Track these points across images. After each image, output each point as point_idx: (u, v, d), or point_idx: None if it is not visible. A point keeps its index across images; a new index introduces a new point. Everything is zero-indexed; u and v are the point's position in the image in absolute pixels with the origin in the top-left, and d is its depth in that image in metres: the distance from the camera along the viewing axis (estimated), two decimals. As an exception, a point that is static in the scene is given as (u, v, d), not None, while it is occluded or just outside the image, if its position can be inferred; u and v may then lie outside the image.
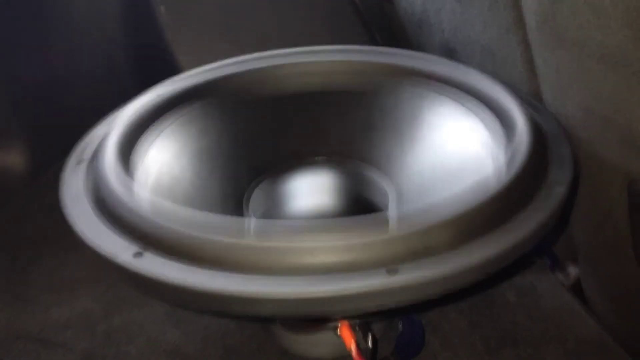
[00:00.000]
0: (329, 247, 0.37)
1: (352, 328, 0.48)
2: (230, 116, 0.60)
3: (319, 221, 0.52)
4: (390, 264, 0.37)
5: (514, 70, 0.61)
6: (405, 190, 0.56)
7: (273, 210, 0.56)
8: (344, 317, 0.47)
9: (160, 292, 0.38)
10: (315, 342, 0.53)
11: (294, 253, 0.37)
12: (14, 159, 0.83)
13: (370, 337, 0.48)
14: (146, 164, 0.51)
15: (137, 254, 0.39)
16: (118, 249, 0.40)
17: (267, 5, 0.95)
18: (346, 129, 0.62)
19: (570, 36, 0.47)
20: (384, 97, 0.61)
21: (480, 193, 0.40)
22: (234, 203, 0.55)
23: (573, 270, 0.66)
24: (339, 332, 0.48)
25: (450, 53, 0.75)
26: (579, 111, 0.51)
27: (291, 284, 0.36)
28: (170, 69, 0.91)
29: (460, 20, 0.70)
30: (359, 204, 0.57)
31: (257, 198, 0.57)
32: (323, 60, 0.64)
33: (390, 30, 0.96)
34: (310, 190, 0.58)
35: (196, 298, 0.37)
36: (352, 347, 0.47)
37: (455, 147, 0.54)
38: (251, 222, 0.54)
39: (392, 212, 0.54)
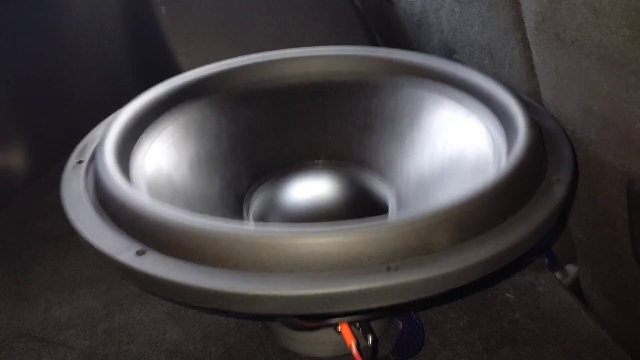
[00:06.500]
0: (329, 246, 0.37)
1: (352, 327, 0.48)
2: (230, 117, 0.60)
3: (319, 221, 0.52)
4: (390, 263, 0.37)
5: (513, 70, 0.61)
6: (405, 191, 0.56)
7: (273, 211, 0.56)
8: (345, 316, 0.47)
9: (162, 291, 0.39)
10: (315, 340, 0.53)
11: (294, 252, 0.37)
12: (14, 159, 0.83)
13: (370, 335, 0.48)
14: (146, 164, 0.52)
15: (139, 253, 0.39)
16: (120, 248, 0.40)
17: (267, 7, 0.96)
18: (346, 131, 0.62)
19: (569, 36, 0.47)
20: (384, 98, 0.61)
21: (479, 192, 0.40)
22: (234, 204, 0.56)
23: (572, 270, 0.67)
24: (339, 331, 0.48)
25: (449, 53, 0.75)
26: (578, 111, 0.51)
27: (291, 283, 0.36)
28: (170, 69, 0.91)
29: (459, 21, 0.70)
30: (358, 205, 0.57)
31: (256, 199, 0.57)
32: (323, 61, 0.64)
33: (389, 30, 0.97)
34: (310, 192, 0.58)
35: (197, 296, 0.37)
36: (352, 345, 0.47)
37: (455, 147, 0.54)
38: (251, 222, 0.54)
39: (391, 211, 0.54)
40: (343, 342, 0.48)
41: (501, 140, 0.49)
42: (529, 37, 0.55)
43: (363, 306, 0.37)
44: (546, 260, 0.66)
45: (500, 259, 0.38)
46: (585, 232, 0.59)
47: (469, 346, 0.55)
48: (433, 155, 0.56)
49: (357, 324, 0.49)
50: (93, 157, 0.51)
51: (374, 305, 0.37)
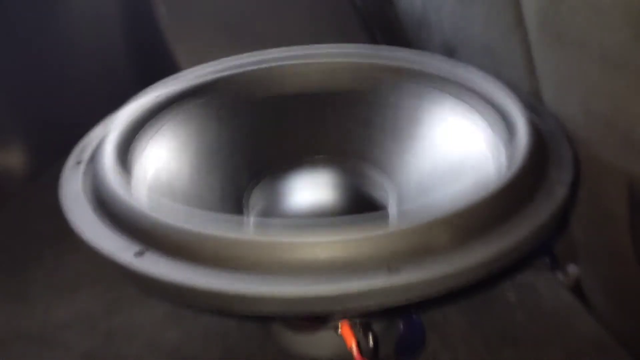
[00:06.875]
0: (330, 246, 0.37)
1: (353, 327, 0.48)
2: (230, 115, 0.60)
3: (319, 220, 0.52)
4: (391, 263, 0.37)
5: (514, 70, 0.61)
6: (405, 189, 0.56)
7: (273, 209, 0.56)
8: (345, 317, 0.47)
9: (162, 292, 0.38)
10: (315, 341, 0.53)
11: (294, 251, 0.37)
12: (14, 159, 0.83)
13: (371, 336, 0.48)
14: (145, 163, 0.51)
15: (138, 254, 0.39)
16: (119, 248, 0.40)
17: (267, 6, 0.95)
18: (346, 128, 0.62)
19: (570, 36, 0.47)
20: (384, 95, 0.61)
21: (481, 192, 0.40)
22: (234, 202, 0.55)
23: (573, 270, 0.66)
24: (339, 332, 0.48)
25: (450, 53, 0.75)
26: (579, 111, 0.51)
27: (292, 283, 0.36)
28: (170, 69, 0.90)
29: (460, 20, 0.70)
30: (359, 203, 0.57)
31: (256, 197, 0.57)
32: (323, 58, 0.64)
33: (390, 30, 0.96)
34: (310, 189, 0.57)
35: (197, 297, 0.37)
36: (353, 346, 0.47)
37: (456, 145, 0.54)
38: (251, 221, 0.54)
39: (392, 210, 0.54)
40: (343, 342, 0.48)
41: (502, 139, 0.49)
42: (530, 37, 0.55)
43: (364, 307, 0.37)
44: (547, 260, 0.66)
45: (503, 260, 0.38)
46: (586, 232, 0.59)
47: (470, 347, 0.55)
48: (434, 151, 0.56)
49: (358, 324, 0.48)
50: (92, 157, 0.51)
51: (374, 306, 0.37)
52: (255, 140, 0.60)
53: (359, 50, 0.64)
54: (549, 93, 0.56)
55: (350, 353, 0.47)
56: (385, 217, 0.52)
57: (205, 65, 0.62)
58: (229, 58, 0.63)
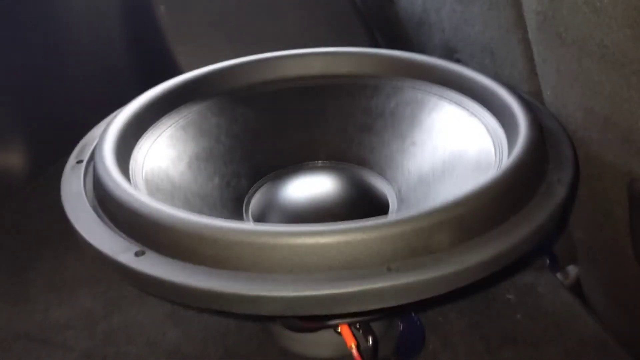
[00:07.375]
0: (329, 246, 0.37)
1: (352, 327, 0.48)
2: (230, 118, 0.60)
3: (319, 221, 0.52)
4: (390, 263, 0.37)
5: (514, 69, 0.61)
6: (406, 191, 0.56)
7: (272, 211, 0.56)
8: (345, 317, 0.47)
9: (162, 291, 0.38)
10: (315, 341, 0.53)
11: (294, 252, 0.37)
12: (14, 159, 0.83)
13: (370, 336, 0.48)
14: (145, 164, 0.51)
15: (138, 254, 0.39)
16: (118, 248, 0.40)
17: (267, 6, 0.95)
18: (346, 131, 0.62)
19: (570, 35, 0.47)
20: (384, 98, 0.61)
21: (480, 192, 0.40)
22: (234, 205, 0.55)
23: (573, 270, 0.67)
24: (339, 332, 0.48)
25: (450, 52, 0.75)
26: (579, 111, 0.51)
27: (291, 284, 0.36)
28: (170, 69, 0.91)
29: (460, 20, 0.70)
30: (359, 208, 0.57)
31: (256, 200, 0.57)
32: (323, 62, 0.64)
33: (390, 29, 0.96)
34: (310, 192, 0.57)
35: (197, 297, 0.37)
36: (353, 346, 0.47)
37: (456, 148, 0.54)
38: (251, 222, 0.54)
39: (392, 211, 0.54)
40: (343, 343, 0.48)
41: (502, 140, 0.49)
42: (530, 36, 0.55)
43: (363, 307, 0.37)
44: (547, 260, 0.66)
45: (502, 259, 0.38)
46: (586, 232, 0.59)
47: (470, 347, 0.55)
48: (434, 155, 0.56)
49: (358, 324, 0.48)
50: (92, 157, 0.51)
51: (374, 306, 0.37)
52: (255, 144, 0.60)
53: (359, 53, 0.64)
54: (549, 93, 0.56)
55: (349, 353, 0.47)
56: (385, 218, 0.52)
57: (205, 68, 0.62)
58: (229, 61, 0.63)
